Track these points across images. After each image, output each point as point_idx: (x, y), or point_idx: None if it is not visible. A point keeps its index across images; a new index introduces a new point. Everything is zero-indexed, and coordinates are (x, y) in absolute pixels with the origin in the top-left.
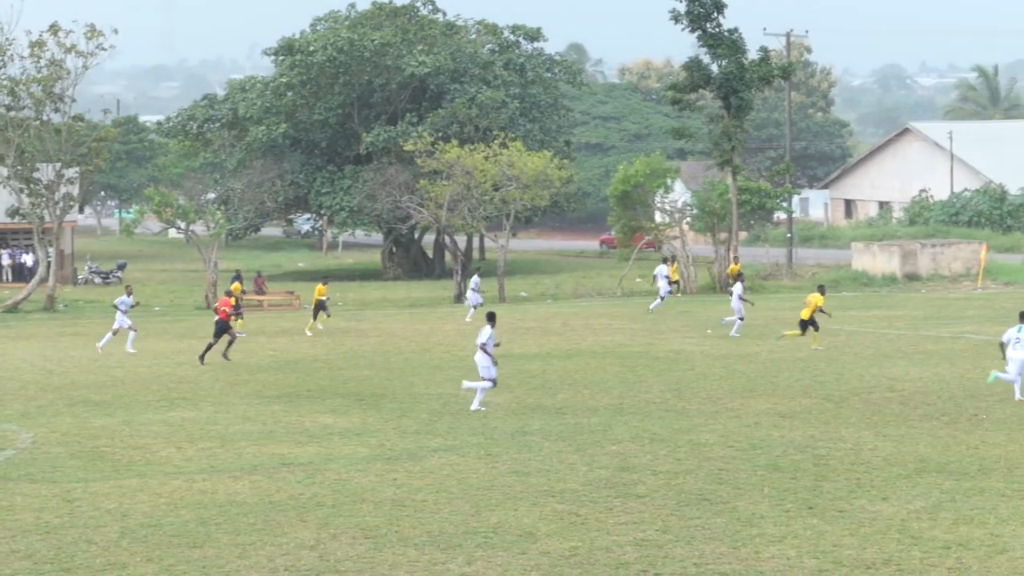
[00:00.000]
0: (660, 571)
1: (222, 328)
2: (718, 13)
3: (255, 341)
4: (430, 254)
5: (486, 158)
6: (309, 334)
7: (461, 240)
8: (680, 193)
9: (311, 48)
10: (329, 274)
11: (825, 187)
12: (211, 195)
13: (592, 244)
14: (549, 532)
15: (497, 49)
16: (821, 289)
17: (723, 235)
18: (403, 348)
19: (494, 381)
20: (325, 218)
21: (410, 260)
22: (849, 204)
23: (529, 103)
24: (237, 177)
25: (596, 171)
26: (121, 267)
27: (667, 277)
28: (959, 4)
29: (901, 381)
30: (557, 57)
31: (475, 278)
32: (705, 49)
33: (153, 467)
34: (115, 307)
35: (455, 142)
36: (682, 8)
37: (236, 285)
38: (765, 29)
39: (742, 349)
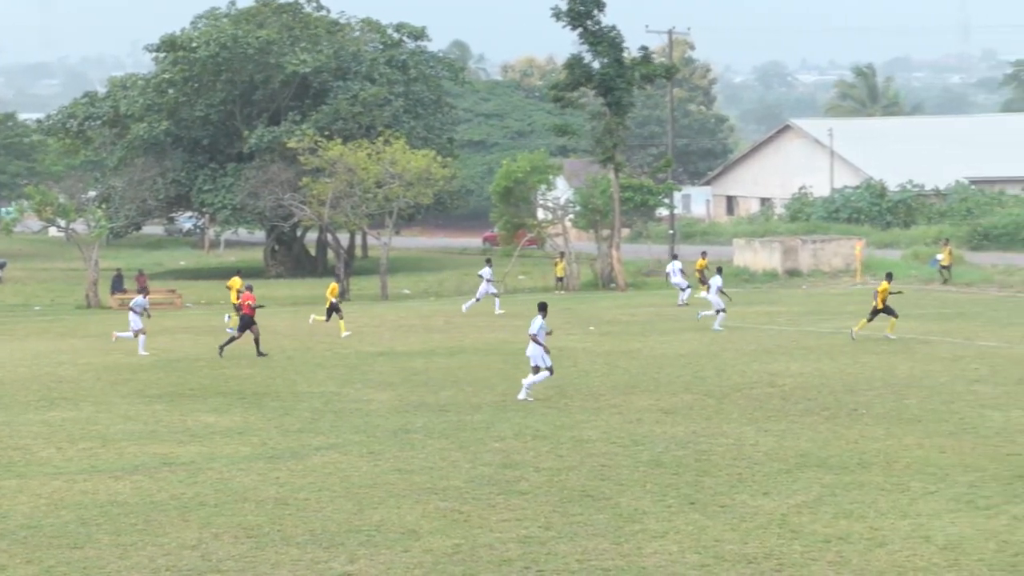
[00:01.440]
0: (543, 568)
1: (247, 322)
2: (598, 10)
3: (136, 339)
4: (313, 252)
5: (369, 156)
6: (346, 334)
7: (344, 238)
8: (563, 190)
9: (193, 44)
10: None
11: (707, 184)
12: (92, 193)
13: (475, 241)
14: (432, 530)
15: (381, 47)
16: (888, 276)
17: (605, 232)
18: (285, 346)
19: (551, 369)
20: (207, 216)
21: (293, 258)
22: (731, 200)
23: (412, 100)
24: (118, 175)
25: (479, 168)
26: (0, 266)
27: (681, 271)
28: (839, 3)
29: (782, 376)
30: (440, 55)
31: (487, 269)
32: (586, 47)
33: (33, 468)
34: (131, 309)
35: (338, 140)
36: (563, 6)
37: (235, 280)
38: (648, 27)
39: (625, 345)
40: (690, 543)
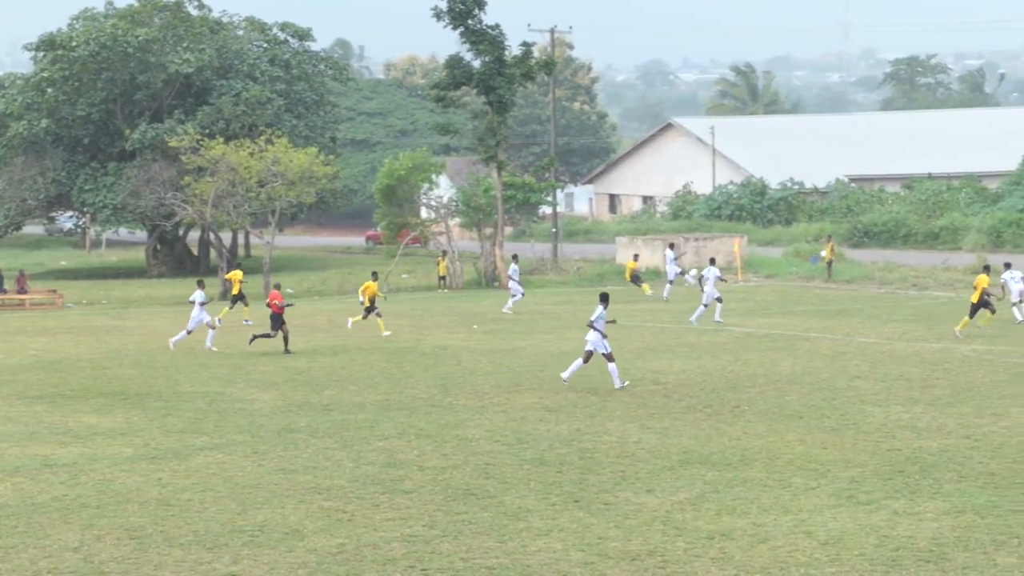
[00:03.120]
0: (427, 567)
1: (277, 321)
2: (479, 9)
3: (16, 340)
4: (195, 251)
5: (251, 155)
6: (387, 333)
7: (227, 237)
8: (445, 189)
9: (73, 43)
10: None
11: (590, 182)
12: None
13: (358, 240)
14: (316, 529)
15: (264, 46)
16: (986, 269)
17: (489, 230)
18: (168, 346)
19: (610, 355)
20: (88, 216)
21: (175, 257)
22: (613, 199)
23: (294, 99)
24: None
25: (362, 167)
26: None
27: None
28: (721, 2)
29: (665, 374)
30: (323, 54)
31: (513, 266)
32: (468, 46)
33: None
34: (191, 302)
35: (220, 139)
36: (444, 5)
37: (237, 272)
38: (529, 25)
39: (509, 344)
40: (574, 541)
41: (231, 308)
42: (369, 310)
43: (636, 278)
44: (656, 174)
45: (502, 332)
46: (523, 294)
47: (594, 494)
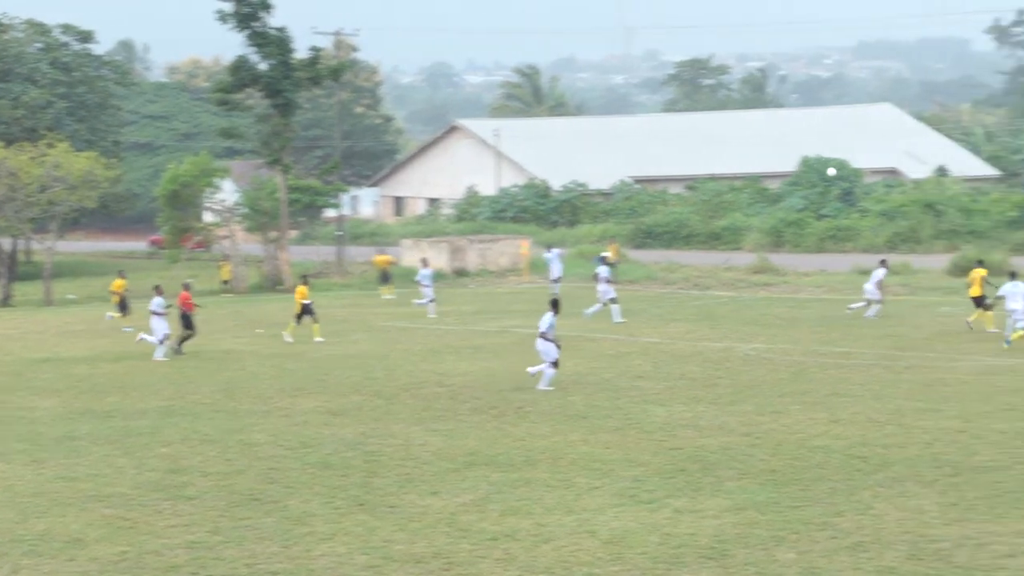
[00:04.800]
0: (211, 573)
1: (188, 320)
2: (265, 12)
3: None
4: None
5: (32, 159)
6: (320, 339)
7: (6, 242)
8: (230, 192)
9: None
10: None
11: (375, 185)
12: None
13: (142, 245)
14: (98, 537)
15: (44, 48)
16: (980, 263)
17: (273, 234)
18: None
19: (555, 363)
20: None
21: None
22: (399, 201)
23: (76, 103)
24: None
25: (145, 171)
26: None
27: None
28: (504, 4)
29: (450, 376)
30: (106, 56)
31: (424, 271)
32: (254, 48)
33: None
34: (152, 312)
35: (0, 143)
36: (228, 8)
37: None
38: (314, 28)
39: (293, 348)
40: (359, 544)
41: (121, 315)
42: (301, 315)
43: (386, 277)
44: (441, 176)
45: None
46: (433, 300)
47: (379, 497)
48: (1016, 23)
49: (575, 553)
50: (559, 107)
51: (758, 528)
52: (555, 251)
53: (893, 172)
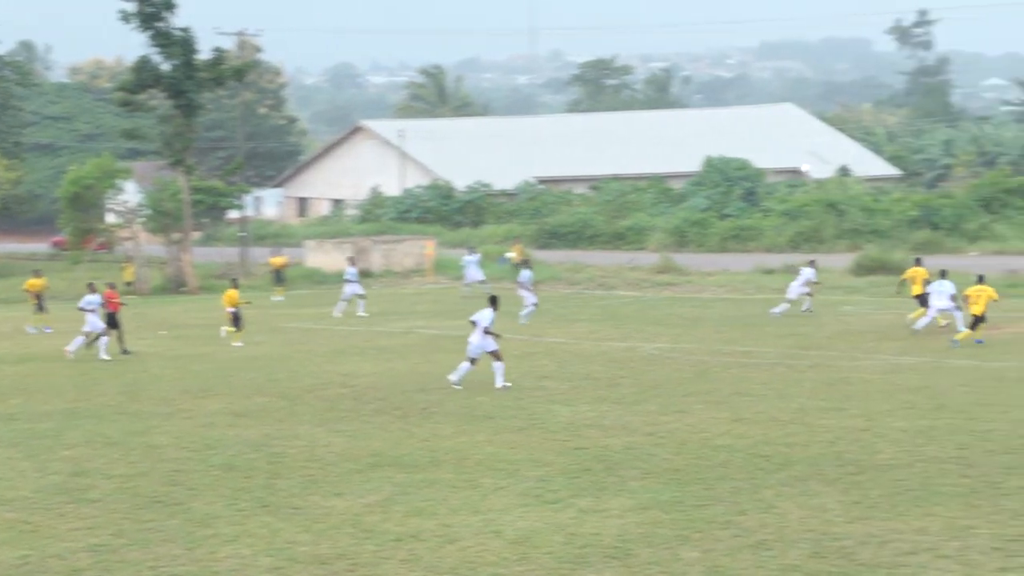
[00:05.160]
0: None
1: (113, 319)
2: (169, 12)
3: None
4: None
5: None
6: (238, 344)
7: None
8: (133, 194)
9: None
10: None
11: (279, 186)
12: None
13: (44, 246)
14: None
15: None
16: (980, 279)
17: (177, 235)
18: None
19: (473, 361)
20: None
21: None
22: (303, 202)
23: None
24: None
25: (47, 172)
26: None
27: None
28: (408, 4)
29: (354, 377)
30: (7, 57)
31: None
32: (157, 48)
33: None
34: (81, 309)
35: None
36: (131, 8)
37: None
38: (217, 28)
39: (197, 349)
40: (263, 546)
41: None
42: (237, 318)
43: (280, 278)
44: (345, 177)
45: (190, 337)
46: (363, 296)
47: (283, 499)
48: (917, 24)
49: (480, 553)
50: (464, 107)
51: (662, 527)
52: (475, 255)
53: (796, 172)
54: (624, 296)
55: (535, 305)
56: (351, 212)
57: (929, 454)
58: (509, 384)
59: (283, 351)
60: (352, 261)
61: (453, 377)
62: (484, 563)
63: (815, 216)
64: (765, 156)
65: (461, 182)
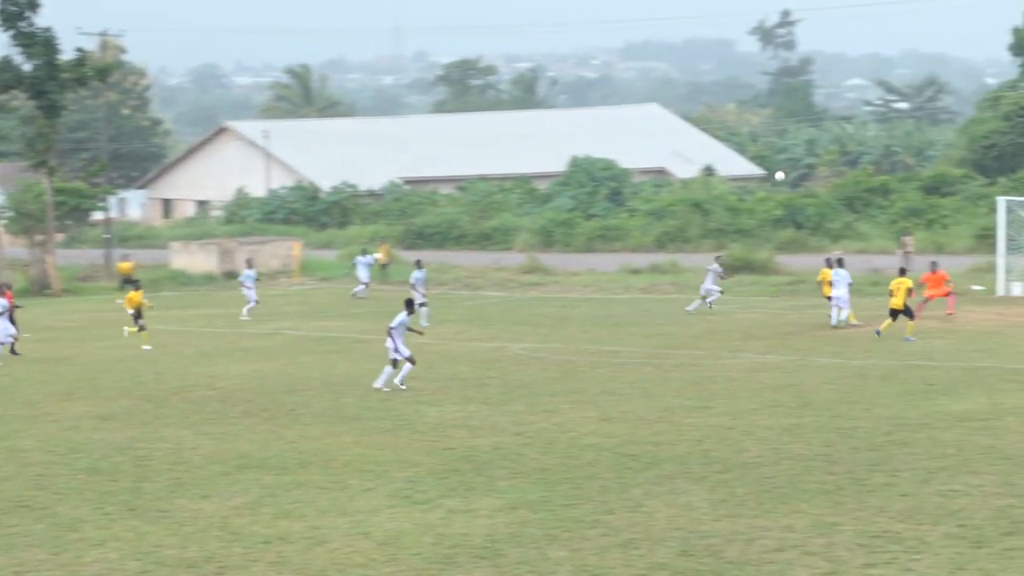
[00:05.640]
0: None
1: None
2: (32, 11)
3: None
4: None
5: None
6: (145, 349)
7: None
8: None
9: None
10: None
11: (143, 187)
12: None
13: None
14: None
15: None
16: (903, 272)
17: (40, 237)
18: None
19: (411, 359)
20: None
21: None
22: (168, 203)
23: None
24: None
25: None
26: None
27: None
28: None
29: (221, 379)
30: None
31: (248, 272)
32: (19, 48)
33: None
34: None
35: None
36: None
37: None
38: (79, 29)
39: (61, 352)
40: (130, 550)
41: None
42: (137, 317)
43: (127, 283)
44: (210, 178)
45: (54, 340)
46: (257, 302)
47: (150, 502)
48: (780, 24)
49: (349, 555)
50: (330, 108)
51: (530, 527)
52: (367, 257)
53: (661, 172)
54: (491, 296)
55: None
56: (216, 213)
57: (795, 452)
58: (387, 388)
59: (148, 354)
60: (249, 263)
61: (396, 380)
62: (353, 565)
63: (680, 216)
64: (630, 156)
65: (327, 183)
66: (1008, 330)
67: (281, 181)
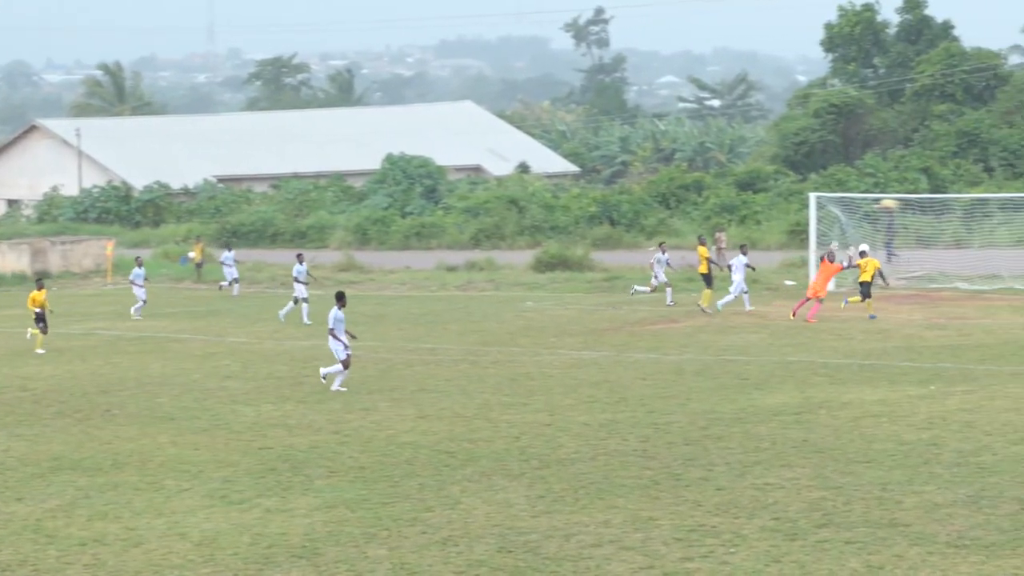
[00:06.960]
0: None
1: None
2: None
3: None
4: None
5: None
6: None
7: None
8: None
9: None
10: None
11: None
12: None
13: None
14: None
15: None
16: (863, 254)
17: None
18: None
19: (344, 363)
20: None
21: None
22: None
23: None
24: None
25: None
26: None
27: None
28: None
29: (34, 380)
30: None
31: (137, 270)
32: None
33: None
34: None
35: None
36: None
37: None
38: None
39: None
40: None
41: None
42: (41, 319)
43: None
44: (21, 177)
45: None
46: (145, 301)
47: None
48: (593, 22)
49: (166, 556)
50: (143, 106)
51: (348, 526)
52: (231, 253)
53: (477, 169)
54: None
55: (295, 302)
56: (27, 212)
57: (611, 447)
58: (344, 389)
59: None
60: (139, 262)
61: (333, 387)
62: (170, 566)
63: (496, 213)
64: (446, 154)
65: (141, 181)
66: (819, 324)
67: (94, 180)
